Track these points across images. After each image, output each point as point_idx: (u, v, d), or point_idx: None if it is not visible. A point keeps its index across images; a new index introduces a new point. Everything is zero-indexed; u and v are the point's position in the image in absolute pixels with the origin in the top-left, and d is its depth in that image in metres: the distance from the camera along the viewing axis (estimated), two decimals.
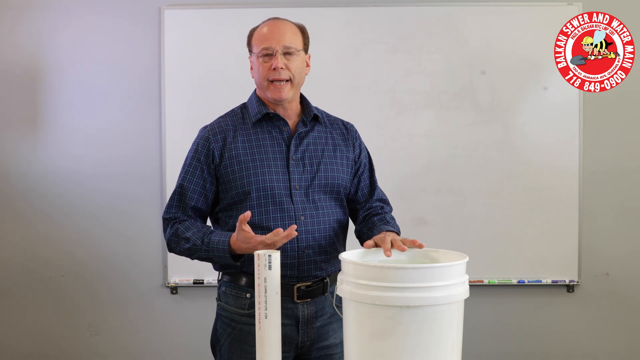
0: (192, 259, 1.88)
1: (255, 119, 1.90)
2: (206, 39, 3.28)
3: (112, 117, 3.33)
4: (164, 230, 1.92)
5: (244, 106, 1.98)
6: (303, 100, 1.98)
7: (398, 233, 1.84)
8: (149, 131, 3.32)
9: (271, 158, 1.87)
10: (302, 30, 1.92)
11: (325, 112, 2.03)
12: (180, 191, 1.91)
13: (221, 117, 1.97)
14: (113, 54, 3.32)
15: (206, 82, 3.27)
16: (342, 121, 2.05)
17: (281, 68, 1.83)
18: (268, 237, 1.66)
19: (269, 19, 1.92)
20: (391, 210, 2.04)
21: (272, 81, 1.85)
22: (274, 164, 1.87)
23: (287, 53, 1.85)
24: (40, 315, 3.39)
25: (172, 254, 3.23)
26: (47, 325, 3.39)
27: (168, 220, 1.91)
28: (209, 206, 1.92)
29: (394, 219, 1.98)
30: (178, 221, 1.88)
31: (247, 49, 1.95)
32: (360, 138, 2.05)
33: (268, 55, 1.84)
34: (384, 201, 2.03)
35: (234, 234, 1.75)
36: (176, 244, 1.87)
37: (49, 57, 3.32)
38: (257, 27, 1.92)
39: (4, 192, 3.36)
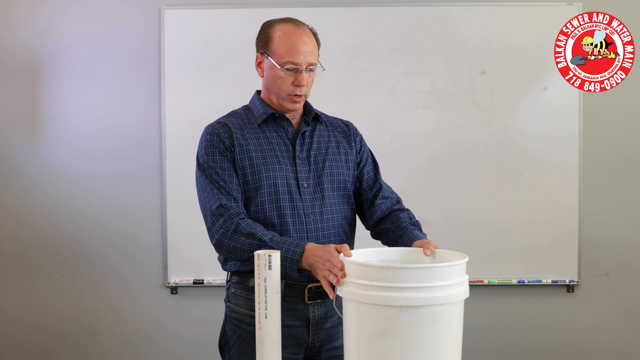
0: (244, 258, 1.78)
1: (261, 119, 1.90)
2: (206, 39, 3.28)
3: (112, 116, 3.33)
4: (217, 219, 1.79)
5: (246, 108, 1.98)
6: None
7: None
8: (149, 131, 3.32)
9: (279, 156, 1.88)
10: (316, 38, 1.91)
11: (323, 113, 2.04)
12: (222, 185, 1.82)
13: (225, 116, 1.96)
14: (113, 54, 3.32)
15: (206, 81, 3.27)
16: (342, 120, 2.06)
17: (304, 85, 1.85)
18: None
19: (288, 23, 1.87)
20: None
21: (291, 94, 1.86)
22: (283, 162, 1.87)
23: (310, 70, 1.86)
24: (40, 314, 3.39)
25: (172, 255, 3.28)
26: (47, 325, 3.39)
27: (226, 210, 1.79)
28: (240, 193, 1.86)
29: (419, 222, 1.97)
30: (240, 217, 1.79)
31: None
32: (360, 135, 2.06)
33: (293, 70, 1.83)
34: (393, 193, 2.02)
35: (313, 244, 1.70)
36: (231, 240, 1.77)
37: (48, 55, 3.32)
38: (273, 26, 1.87)
39: (2, 190, 3.36)
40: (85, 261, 3.36)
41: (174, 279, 3.33)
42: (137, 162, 3.33)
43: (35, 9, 3.32)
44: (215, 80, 3.26)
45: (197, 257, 3.25)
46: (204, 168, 1.85)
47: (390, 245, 1.88)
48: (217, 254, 1.93)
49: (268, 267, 1.51)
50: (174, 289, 3.36)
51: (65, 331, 3.39)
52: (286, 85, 1.85)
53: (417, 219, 1.95)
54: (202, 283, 3.31)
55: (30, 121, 3.34)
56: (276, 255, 1.53)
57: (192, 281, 3.32)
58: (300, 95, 1.86)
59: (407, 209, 1.99)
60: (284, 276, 1.71)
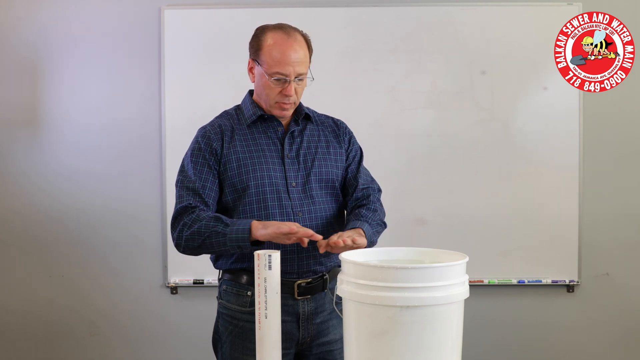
0: (198, 243, 1.81)
1: (251, 120, 1.94)
2: (206, 39, 3.28)
3: (112, 115, 3.33)
4: (181, 216, 1.84)
5: (238, 108, 2.01)
6: None
7: (374, 224, 1.89)
8: (149, 130, 3.32)
9: (267, 156, 1.91)
10: (309, 45, 1.91)
11: (315, 112, 2.06)
12: (191, 186, 1.87)
13: (217, 117, 2.00)
14: (113, 54, 3.32)
15: (206, 81, 3.27)
16: (333, 119, 2.08)
17: (292, 95, 1.86)
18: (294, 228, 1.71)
19: (278, 30, 1.87)
20: (378, 195, 2.04)
21: (279, 102, 1.88)
22: (271, 162, 1.90)
23: (298, 79, 1.87)
24: (40, 314, 3.39)
25: (172, 255, 3.28)
26: (47, 324, 3.39)
27: (186, 208, 1.84)
28: (217, 202, 1.91)
29: (376, 211, 1.97)
30: (200, 209, 1.84)
31: (247, 49, 1.95)
32: (351, 133, 2.07)
33: (281, 80, 1.85)
34: (368, 188, 2.02)
35: (264, 222, 1.77)
36: (190, 227, 1.81)
37: (49, 55, 3.32)
38: (264, 34, 1.88)
39: (1, 189, 3.36)
40: (85, 261, 3.36)
41: (174, 279, 3.33)
42: (137, 162, 3.33)
43: (36, 9, 3.32)
44: (215, 79, 3.26)
45: (196, 257, 3.23)
46: (187, 166, 1.91)
47: None
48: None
49: (268, 267, 1.51)
50: (174, 289, 3.36)
51: (66, 331, 3.39)
52: (274, 94, 1.87)
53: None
54: (202, 283, 3.31)
55: (31, 120, 3.34)
56: (276, 255, 1.53)
57: (192, 281, 3.32)
58: (288, 104, 1.88)
59: (367, 204, 1.97)
60: (238, 252, 1.82)
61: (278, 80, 1.85)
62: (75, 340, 3.40)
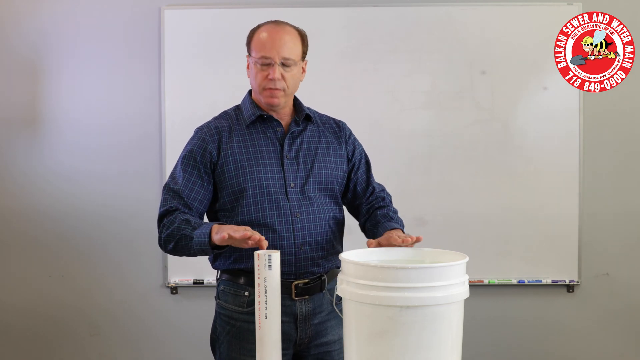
0: (172, 245, 1.81)
1: (250, 120, 1.93)
2: (206, 39, 3.28)
3: (112, 115, 3.33)
4: (160, 223, 1.86)
5: (237, 108, 2.01)
6: (295, 101, 2.00)
7: (402, 226, 1.90)
8: (149, 130, 3.32)
9: (266, 157, 1.90)
10: (302, 38, 1.92)
11: (317, 112, 2.06)
12: (175, 188, 1.87)
13: (215, 118, 1.99)
14: (113, 54, 3.32)
15: (206, 81, 3.27)
16: (334, 119, 2.08)
17: (277, 79, 1.86)
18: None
19: (270, 23, 1.91)
20: (390, 198, 2.07)
21: (266, 88, 1.88)
22: (269, 163, 1.89)
23: (285, 64, 1.86)
24: (40, 315, 3.39)
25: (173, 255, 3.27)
26: (47, 325, 3.39)
27: (167, 211, 1.85)
28: (206, 206, 1.91)
29: (397, 212, 2.01)
30: (180, 211, 1.84)
31: (245, 48, 1.95)
32: (353, 135, 2.08)
33: (266, 64, 1.86)
34: (382, 191, 2.07)
35: (220, 225, 1.74)
36: (166, 229, 1.82)
37: (49, 54, 3.32)
38: (258, 28, 1.92)
39: (2, 189, 3.36)
40: (85, 261, 3.36)
41: (174, 279, 3.33)
42: (137, 161, 3.33)
43: (36, 9, 3.32)
44: (215, 78, 3.26)
45: (197, 257, 3.25)
46: (176, 168, 1.91)
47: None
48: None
49: (268, 267, 1.51)
50: (174, 289, 3.36)
51: (66, 331, 3.39)
52: (260, 79, 1.88)
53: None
54: (202, 283, 3.31)
55: (31, 120, 3.34)
56: (276, 255, 1.53)
57: (192, 281, 3.32)
58: (276, 89, 1.87)
59: (387, 205, 2.02)
60: (199, 253, 1.79)
61: (263, 64, 1.86)
62: (75, 340, 3.40)
